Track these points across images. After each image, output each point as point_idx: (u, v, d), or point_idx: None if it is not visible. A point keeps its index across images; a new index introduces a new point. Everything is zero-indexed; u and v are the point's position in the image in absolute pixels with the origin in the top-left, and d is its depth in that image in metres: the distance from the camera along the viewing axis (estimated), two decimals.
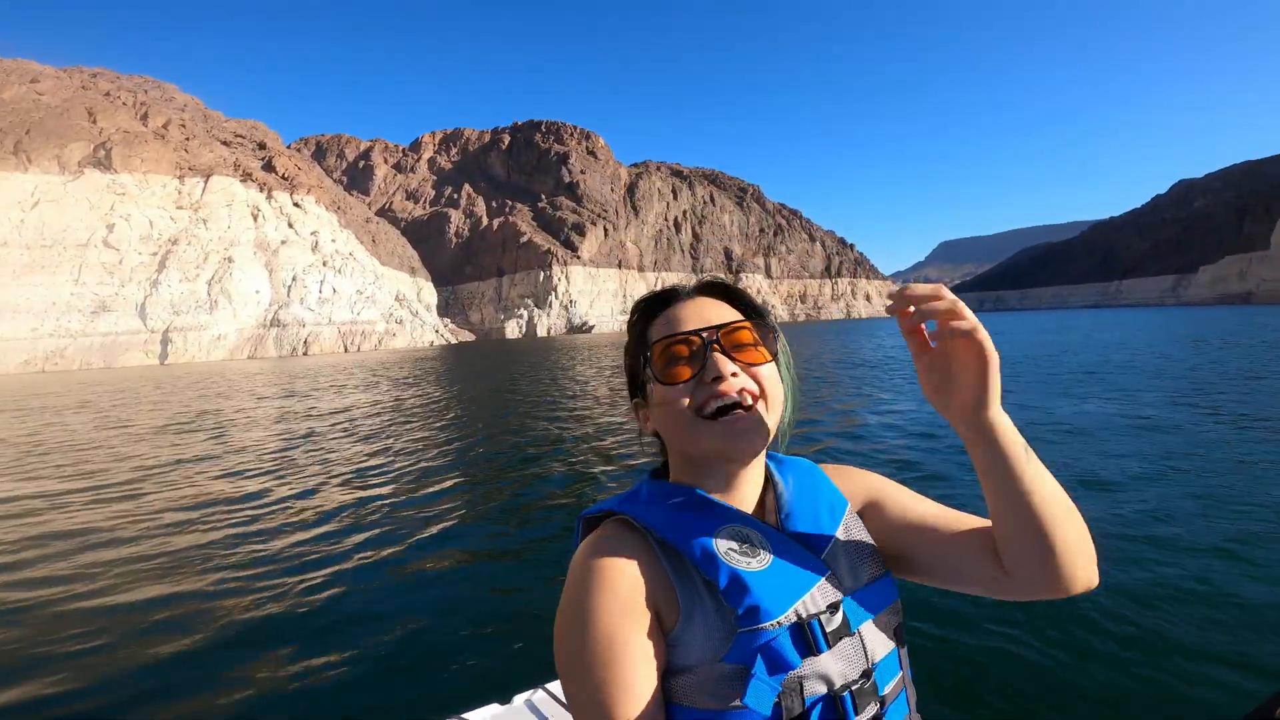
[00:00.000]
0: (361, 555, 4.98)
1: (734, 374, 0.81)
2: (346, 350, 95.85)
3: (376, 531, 5.58)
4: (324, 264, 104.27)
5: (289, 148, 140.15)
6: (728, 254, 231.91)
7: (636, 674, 0.73)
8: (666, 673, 0.77)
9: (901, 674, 0.84)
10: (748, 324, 0.84)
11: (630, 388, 0.94)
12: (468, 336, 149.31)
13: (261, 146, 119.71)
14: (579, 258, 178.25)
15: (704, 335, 0.82)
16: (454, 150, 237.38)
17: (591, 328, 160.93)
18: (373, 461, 8.72)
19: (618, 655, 0.73)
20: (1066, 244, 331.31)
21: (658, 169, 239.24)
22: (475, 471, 8.05)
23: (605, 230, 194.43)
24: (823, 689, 0.75)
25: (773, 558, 0.80)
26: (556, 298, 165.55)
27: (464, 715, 1.71)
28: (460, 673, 3.11)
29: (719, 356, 0.81)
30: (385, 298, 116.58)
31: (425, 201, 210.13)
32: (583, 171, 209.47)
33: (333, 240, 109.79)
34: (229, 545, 5.33)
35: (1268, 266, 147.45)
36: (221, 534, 5.65)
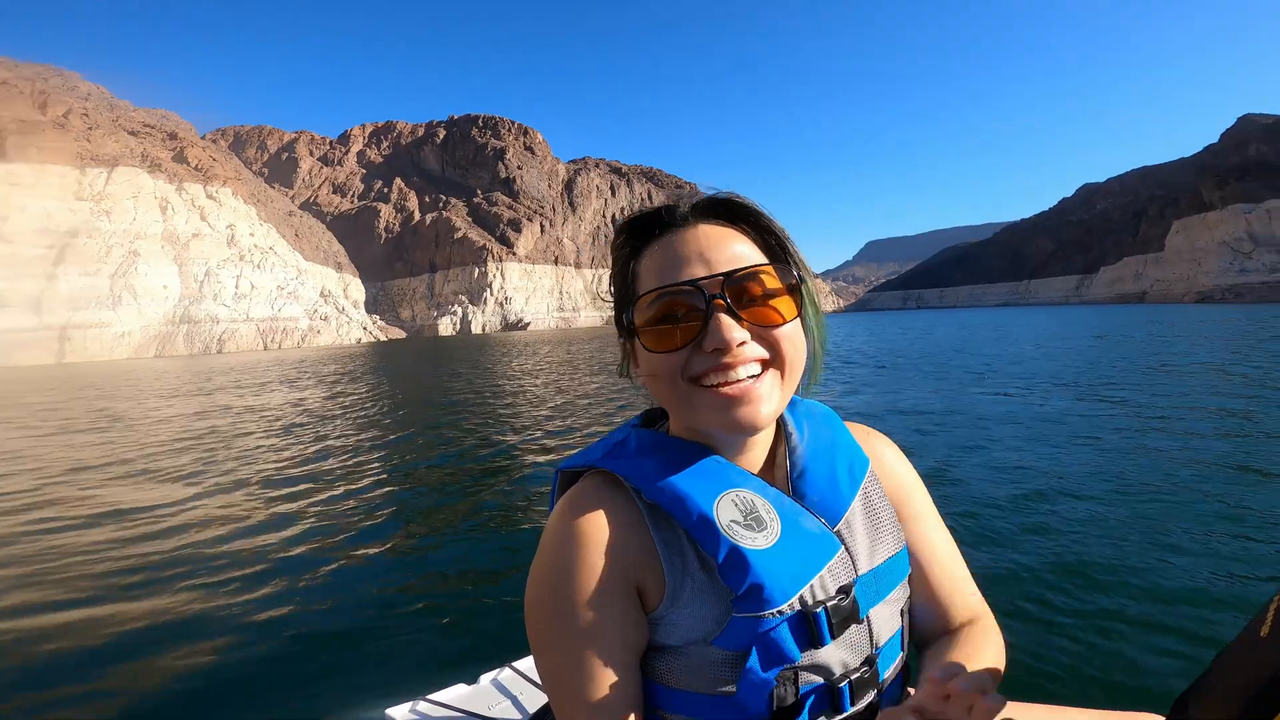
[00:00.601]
0: (297, 550, 4.73)
1: (742, 342, 0.66)
2: (266, 348, 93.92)
3: (306, 526, 5.32)
4: (241, 258, 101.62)
5: (204, 139, 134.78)
6: None
7: (612, 653, 0.66)
8: (648, 650, 0.70)
9: (902, 654, 0.78)
10: (767, 268, 0.68)
11: (617, 320, 0.77)
12: (398, 334, 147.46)
13: (173, 137, 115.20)
14: (515, 254, 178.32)
15: (706, 290, 0.66)
16: (385, 144, 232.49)
17: (528, 325, 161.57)
18: (295, 460, 8.20)
19: (593, 631, 0.66)
20: (981, 244, 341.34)
21: (596, 166, 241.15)
22: (407, 466, 7.80)
23: (542, 226, 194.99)
24: (820, 680, 0.69)
25: (780, 532, 0.69)
26: (492, 294, 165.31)
27: (430, 696, 1.68)
28: (422, 657, 3.07)
29: (724, 320, 0.65)
30: (309, 293, 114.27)
31: (354, 195, 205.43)
32: (520, 167, 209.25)
33: (251, 234, 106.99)
34: (141, 553, 4.82)
35: (1160, 268, 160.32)
36: (131, 541, 5.13)
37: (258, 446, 9.32)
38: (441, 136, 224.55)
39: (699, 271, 0.66)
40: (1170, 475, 5.38)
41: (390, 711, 1.61)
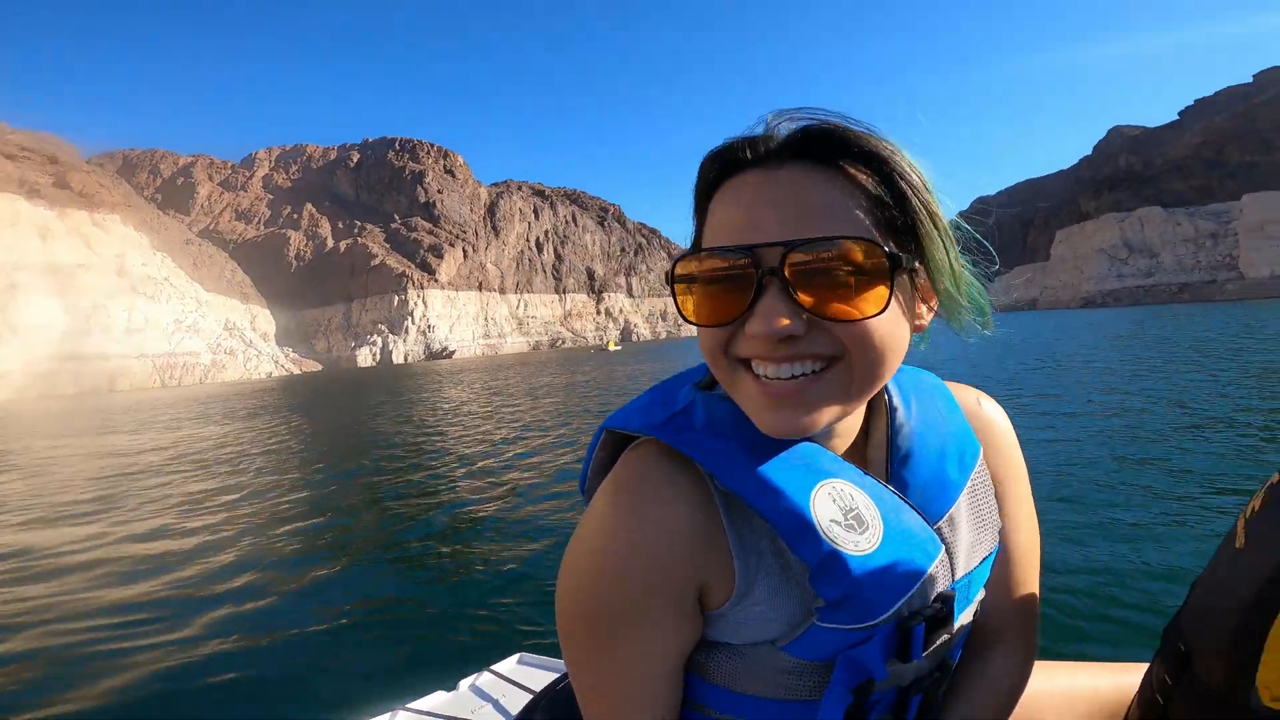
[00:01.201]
0: (263, 572, 4.68)
1: (792, 335, 0.52)
2: (164, 385, 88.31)
3: (264, 551, 5.25)
4: (133, 290, 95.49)
5: (89, 162, 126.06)
6: (590, 274, 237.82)
7: (656, 664, 0.58)
8: (701, 642, 0.62)
9: (961, 653, 0.71)
10: (856, 243, 0.51)
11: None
12: (313, 366, 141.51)
13: (54, 161, 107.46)
14: (437, 280, 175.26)
15: (762, 261, 0.52)
16: (294, 168, 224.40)
17: (453, 353, 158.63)
18: (201, 500, 7.73)
19: (642, 634, 0.57)
20: None
21: (519, 188, 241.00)
22: (375, 482, 7.69)
23: (464, 251, 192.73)
24: (891, 687, 0.63)
25: (884, 534, 0.59)
26: (413, 323, 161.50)
27: (409, 705, 1.65)
28: (399, 665, 3.04)
29: (772, 303, 0.52)
30: (211, 326, 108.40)
31: (260, 222, 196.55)
32: (440, 191, 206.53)
33: (143, 264, 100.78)
34: (40, 598, 4.58)
35: (1048, 276, 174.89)
36: (35, 584, 4.93)
37: (202, 488, 8.71)
38: (355, 160, 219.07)
39: (768, 230, 0.52)
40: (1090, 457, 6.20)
41: None
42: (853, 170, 0.53)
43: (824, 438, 0.62)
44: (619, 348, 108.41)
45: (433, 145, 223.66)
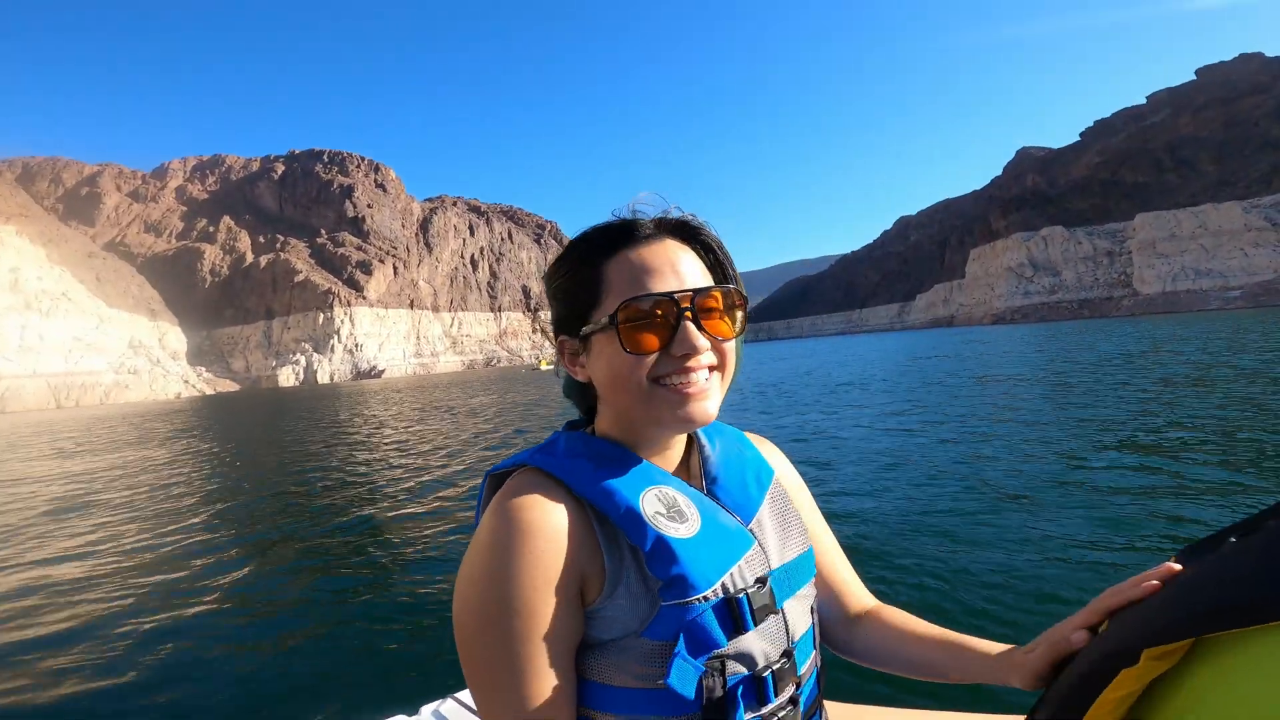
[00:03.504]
0: (219, 599, 4.71)
1: (704, 350, 0.74)
2: (60, 405, 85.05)
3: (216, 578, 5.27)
4: (27, 306, 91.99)
5: None
6: (526, 292, 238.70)
7: (552, 656, 0.68)
8: (581, 646, 0.72)
9: (815, 651, 0.84)
10: (729, 290, 0.78)
11: (559, 324, 0.83)
12: (229, 386, 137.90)
13: None
14: (365, 298, 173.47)
15: (679, 302, 0.73)
16: (211, 179, 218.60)
17: (382, 372, 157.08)
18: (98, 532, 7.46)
19: (532, 633, 0.67)
20: (820, 277, 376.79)
21: (454, 204, 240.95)
22: (322, 504, 7.81)
23: (395, 268, 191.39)
24: (744, 669, 0.73)
25: (701, 525, 0.76)
26: (340, 341, 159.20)
27: None
28: (362, 691, 3.10)
29: (692, 330, 0.73)
30: (115, 344, 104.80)
31: (171, 235, 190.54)
32: (370, 205, 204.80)
33: (39, 278, 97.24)
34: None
35: (963, 293, 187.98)
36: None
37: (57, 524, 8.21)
38: (280, 172, 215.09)
39: (671, 283, 0.74)
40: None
41: None
42: (697, 246, 0.80)
43: (655, 457, 0.81)
44: (552, 366, 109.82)
45: (363, 158, 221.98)
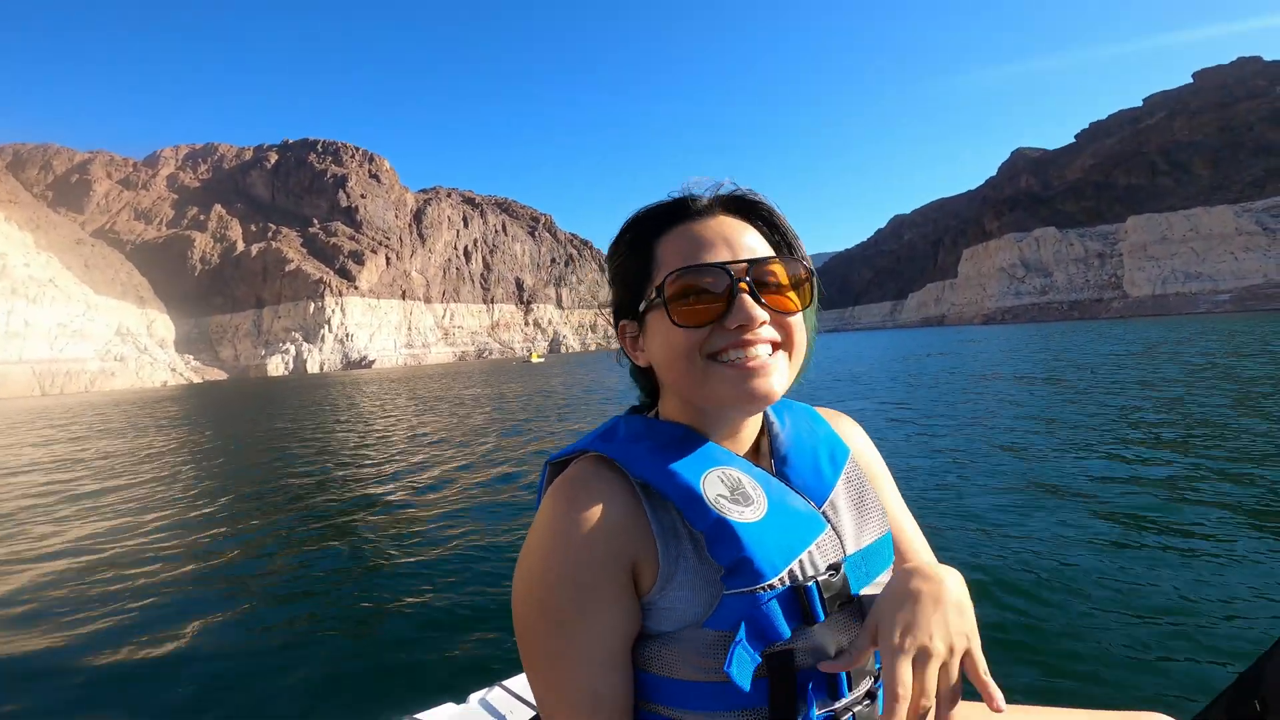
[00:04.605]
0: (277, 576, 4.83)
1: (762, 322, 0.71)
2: (45, 393, 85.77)
3: (281, 554, 5.40)
4: (13, 292, 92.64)
5: None
6: (519, 284, 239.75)
7: (607, 644, 0.68)
8: (640, 637, 0.71)
9: None
10: (790, 261, 0.75)
11: (619, 310, 0.82)
12: (217, 375, 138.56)
13: None
14: (357, 288, 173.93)
15: (733, 272, 0.71)
16: (204, 167, 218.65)
17: (372, 362, 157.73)
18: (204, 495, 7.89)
19: (585, 618, 0.67)
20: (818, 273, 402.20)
21: (448, 195, 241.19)
22: (402, 486, 7.80)
23: (388, 259, 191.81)
24: (812, 663, 0.70)
25: (768, 508, 0.73)
26: (330, 331, 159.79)
27: (417, 715, 1.71)
28: (413, 677, 3.11)
29: (748, 301, 0.70)
30: (102, 331, 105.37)
31: (162, 223, 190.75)
32: (363, 195, 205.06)
33: (26, 264, 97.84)
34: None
35: (955, 293, 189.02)
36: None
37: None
38: (273, 161, 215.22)
39: (724, 255, 0.72)
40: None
41: None
42: (758, 221, 0.77)
43: (723, 438, 0.79)
44: (542, 359, 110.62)
45: (357, 148, 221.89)
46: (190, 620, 4.02)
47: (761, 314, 0.70)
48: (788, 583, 0.69)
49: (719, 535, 0.68)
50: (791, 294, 0.74)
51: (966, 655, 0.63)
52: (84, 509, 7.86)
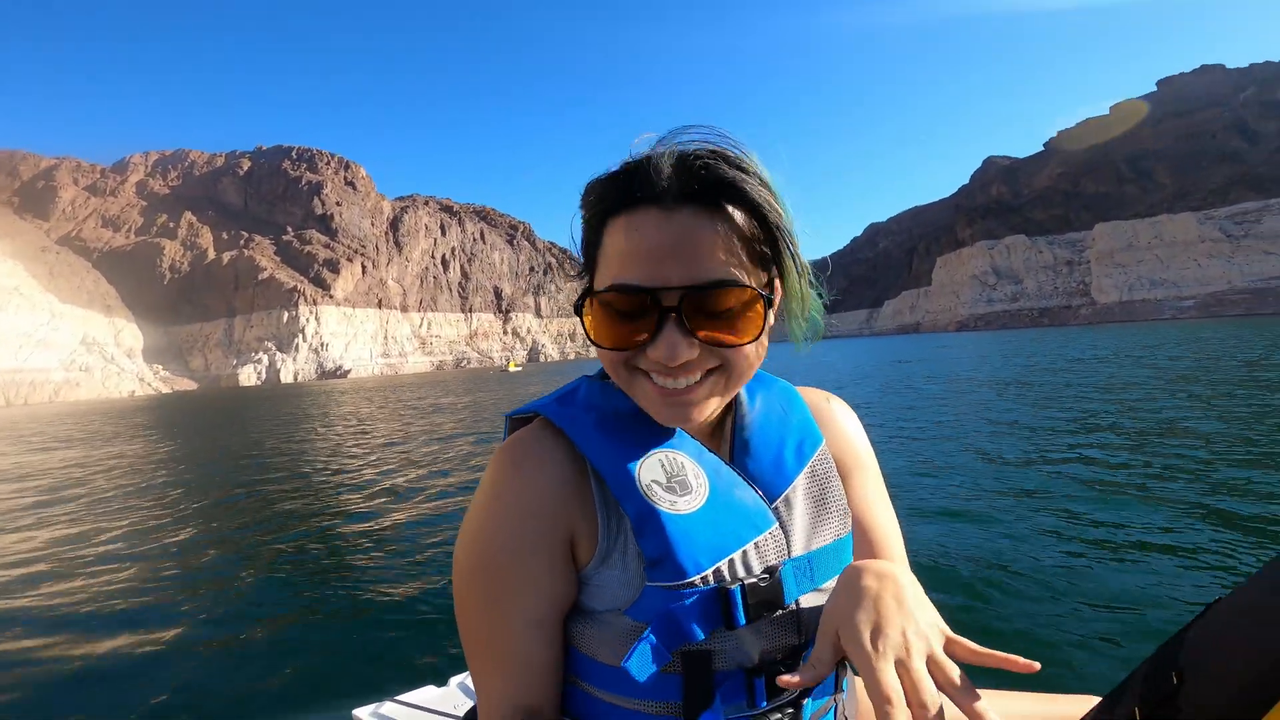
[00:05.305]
0: (257, 562, 5.03)
1: (687, 360, 0.63)
2: (9, 403, 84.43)
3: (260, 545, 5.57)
4: None
5: None
6: (497, 293, 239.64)
7: (536, 612, 0.66)
8: (572, 613, 0.69)
9: None
10: (739, 288, 0.63)
11: (582, 270, 0.73)
12: (187, 385, 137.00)
13: None
14: (332, 297, 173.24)
15: (662, 301, 0.62)
16: (174, 174, 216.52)
17: (348, 372, 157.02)
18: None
19: (517, 579, 0.65)
20: None
21: (425, 203, 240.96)
22: (368, 478, 7.94)
23: (364, 267, 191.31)
24: (733, 666, 0.66)
25: (707, 499, 0.68)
26: (305, 340, 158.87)
27: (397, 697, 1.73)
28: (396, 661, 3.19)
29: (673, 337, 0.62)
30: (67, 341, 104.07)
31: (130, 230, 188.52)
32: (339, 203, 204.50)
33: None
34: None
35: (930, 300, 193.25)
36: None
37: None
38: (246, 168, 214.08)
39: (668, 270, 0.62)
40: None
41: (356, 712, 1.68)
42: (734, 211, 0.63)
43: None
44: (520, 368, 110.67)
45: (333, 155, 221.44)
46: (174, 616, 4.11)
47: (688, 352, 0.62)
48: (711, 583, 0.65)
49: (645, 524, 0.65)
50: (741, 320, 0.64)
51: (951, 643, 0.58)
52: (45, 518, 7.72)
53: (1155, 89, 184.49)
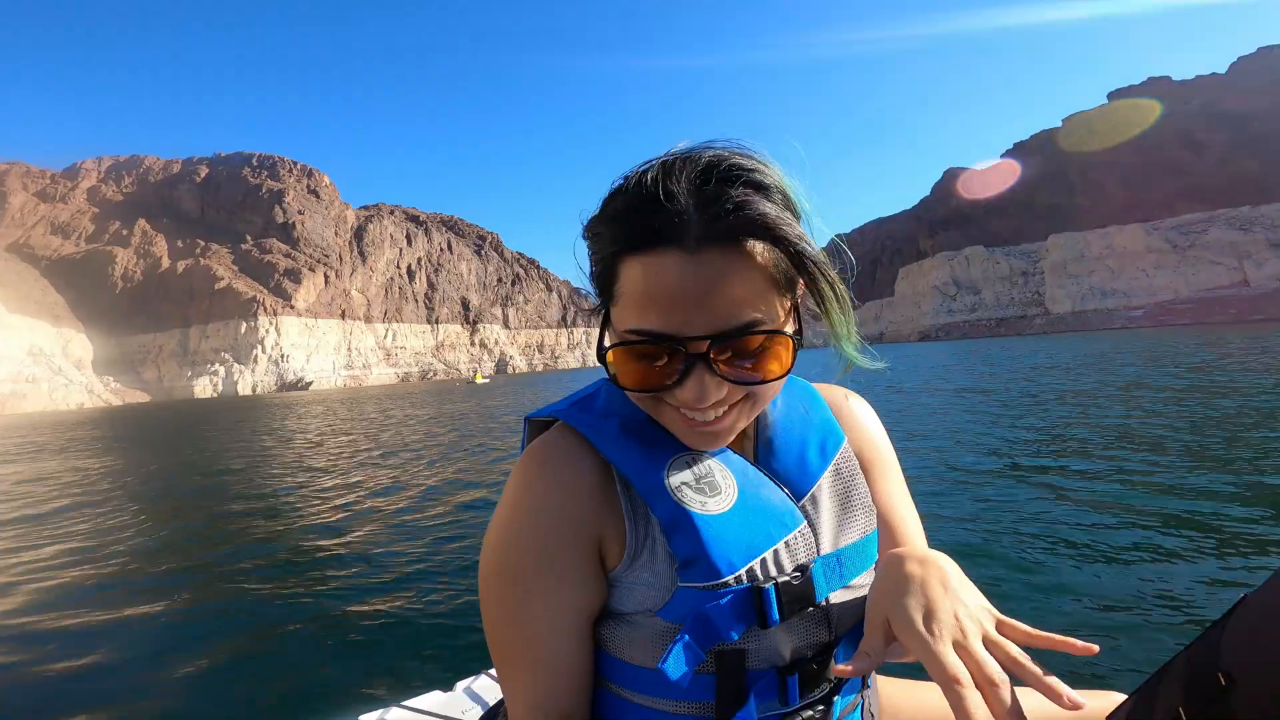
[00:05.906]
0: (267, 565, 5.11)
1: (717, 400, 0.64)
2: None
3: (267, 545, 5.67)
4: None
5: None
6: (465, 304, 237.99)
7: (564, 612, 0.67)
8: (601, 615, 0.70)
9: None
10: (769, 335, 0.62)
11: (592, 277, 0.71)
12: (140, 397, 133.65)
13: None
14: (293, 307, 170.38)
15: (689, 350, 0.62)
16: (128, 180, 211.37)
17: (310, 384, 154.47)
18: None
19: (545, 583, 0.66)
20: None
21: (391, 213, 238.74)
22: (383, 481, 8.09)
23: (327, 277, 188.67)
24: (766, 665, 0.67)
25: (737, 500, 0.69)
26: (264, 351, 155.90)
27: (404, 703, 1.73)
28: (401, 667, 3.21)
29: (702, 380, 0.63)
30: (13, 352, 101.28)
31: (81, 237, 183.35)
32: (301, 211, 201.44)
33: None
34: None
35: (893, 311, 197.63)
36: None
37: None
38: (204, 175, 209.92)
39: (693, 319, 0.60)
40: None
41: (363, 718, 1.68)
42: (761, 246, 0.61)
43: None
44: (487, 380, 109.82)
45: (295, 163, 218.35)
46: (175, 628, 4.14)
47: (717, 393, 0.63)
48: (745, 582, 0.66)
49: (677, 526, 0.66)
50: (768, 360, 0.64)
51: (1001, 625, 0.58)
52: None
53: (1106, 101, 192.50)
